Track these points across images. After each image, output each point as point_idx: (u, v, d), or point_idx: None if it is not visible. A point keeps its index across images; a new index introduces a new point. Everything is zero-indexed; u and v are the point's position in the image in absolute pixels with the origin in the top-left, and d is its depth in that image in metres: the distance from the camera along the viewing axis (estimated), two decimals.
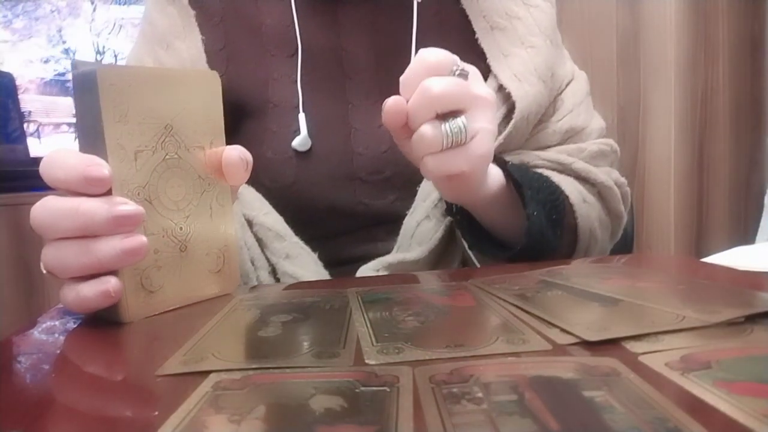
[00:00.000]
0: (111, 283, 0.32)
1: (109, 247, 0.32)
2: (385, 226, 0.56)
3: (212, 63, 0.58)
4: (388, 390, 0.21)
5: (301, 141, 0.56)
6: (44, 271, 0.34)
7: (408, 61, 0.54)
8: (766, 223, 1.35)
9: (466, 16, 0.60)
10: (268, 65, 0.59)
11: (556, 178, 0.56)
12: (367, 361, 0.25)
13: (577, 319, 0.29)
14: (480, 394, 0.20)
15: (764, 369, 0.22)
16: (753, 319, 0.27)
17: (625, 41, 1.57)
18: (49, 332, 0.33)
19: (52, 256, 0.33)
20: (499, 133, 0.56)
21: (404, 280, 0.42)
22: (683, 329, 0.26)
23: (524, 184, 0.49)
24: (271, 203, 0.56)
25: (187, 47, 0.58)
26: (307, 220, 0.56)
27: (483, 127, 0.42)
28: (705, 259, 0.50)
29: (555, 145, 0.60)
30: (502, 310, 0.32)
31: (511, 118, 0.56)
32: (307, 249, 0.54)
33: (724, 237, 1.55)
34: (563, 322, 0.28)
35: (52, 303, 0.48)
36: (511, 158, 0.56)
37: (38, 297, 1.58)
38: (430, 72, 0.41)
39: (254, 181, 0.55)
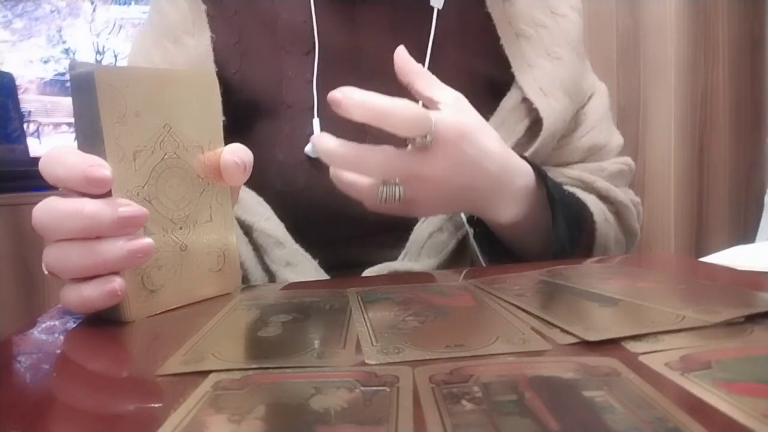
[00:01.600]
0: (117, 282, 0.32)
1: (116, 248, 0.32)
2: (394, 232, 0.55)
3: (226, 59, 0.56)
4: (388, 390, 0.21)
5: (314, 147, 0.53)
6: (46, 272, 0.34)
7: (428, 63, 0.55)
8: (766, 223, 1.35)
9: (491, 21, 0.58)
10: (282, 63, 0.57)
11: (582, 195, 0.56)
12: (367, 361, 0.25)
13: (577, 319, 0.29)
14: (480, 394, 0.20)
15: (764, 369, 0.22)
16: (753, 319, 0.27)
17: (625, 41, 1.57)
18: (49, 332, 0.33)
19: (54, 257, 0.33)
20: (525, 148, 0.56)
21: (404, 280, 0.42)
22: (683, 329, 0.26)
23: (557, 201, 0.49)
24: (279, 206, 0.54)
25: (196, 45, 0.57)
26: (316, 224, 0.54)
27: (420, 199, 0.44)
28: (704, 259, 0.49)
29: (576, 162, 0.60)
30: (502, 310, 0.32)
31: (536, 132, 0.55)
32: (307, 256, 0.53)
33: (724, 237, 1.55)
34: (563, 322, 0.28)
35: (52, 303, 0.48)
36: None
37: (38, 297, 1.58)
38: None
39: (264, 183, 0.54)
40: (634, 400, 0.19)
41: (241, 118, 0.55)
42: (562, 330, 0.27)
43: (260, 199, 0.55)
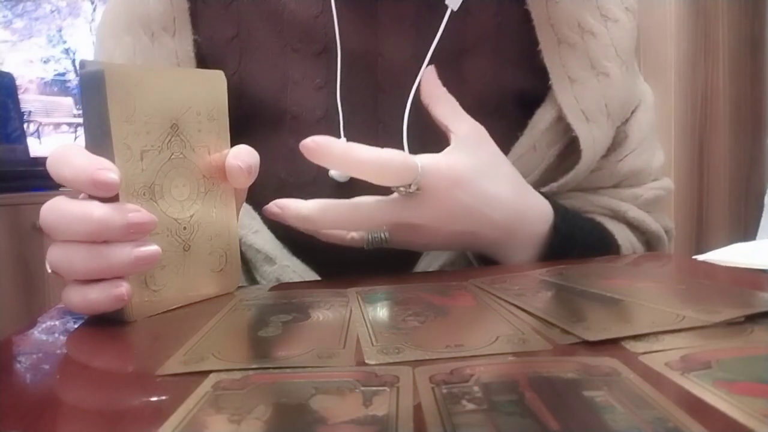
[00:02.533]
0: (124, 287, 0.32)
1: (123, 254, 0.32)
2: (399, 260, 0.48)
3: (221, 58, 0.50)
4: (388, 390, 0.21)
5: (339, 174, 0.49)
6: (49, 270, 0.34)
7: (453, 75, 0.49)
8: (766, 223, 1.35)
9: (530, 22, 0.50)
10: (287, 63, 0.50)
11: (610, 225, 0.52)
12: (367, 361, 0.25)
13: (577, 319, 0.29)
14: (480, 394, 0.20)
15: (764, 369, 0.22)
16: (753, 319, 0.27)
17: None
18: (49, 332, 0.33)
19: (59, 258, 0.33)
20: (553, 174, 0.52)
21: (404, 280, 0.42)
22: (683, 329, 0.26)
23: (576, 245, 0.47)
24: (278, 226, 0.48)
25: (176, 48, 0.51)
26: (316, 248, 0.47)
27: (411, 242, 0.44)
28: (702, 256, 0.49)
29: (609, 187, 0.55)
30: (502, 310, 0.32)
31: (567, 154, 0.51)
32: (298, 273, 0.49)
33: (724, 237, 1.55)
34: (563, 322, 0.28)
35: (52, 303, 0.48)
36: (563, 203, 0.50)
37: (38, 297, 1.58)
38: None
39: (262, 202, 0.47)
40: (634, 400, 0.19)
41: (239, 127, 0.46)
42: (562, 330, 0.27)
43: (249, 209, 0.51)
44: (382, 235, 0.43)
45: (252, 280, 0.52)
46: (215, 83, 0.39)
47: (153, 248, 0.33)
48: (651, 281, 0.37)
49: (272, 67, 0.50)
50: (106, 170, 0.31)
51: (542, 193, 0.49)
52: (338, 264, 0.45)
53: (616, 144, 0.53)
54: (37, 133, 2.16)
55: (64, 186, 0.33)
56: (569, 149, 0.52)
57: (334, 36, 0.49)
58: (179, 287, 0.37)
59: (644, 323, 0.27)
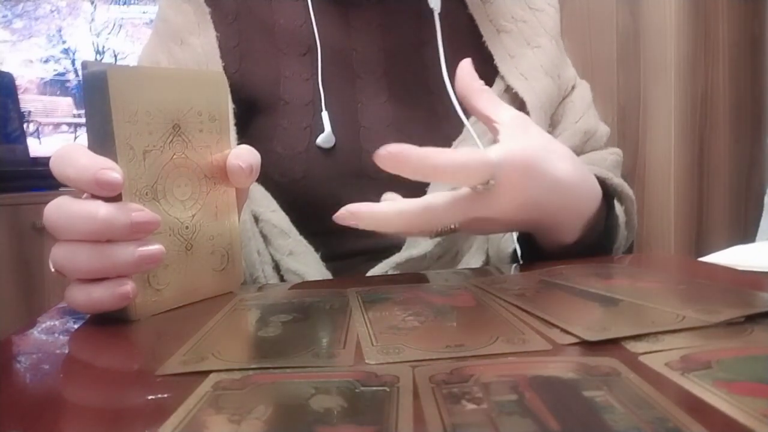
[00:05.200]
0: (129, 285, 0.33)
1: (127, 253, 0.32)
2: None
3: (226, 59, 0.59)
4: (388, 390, 0.21)
5: (325, 138, 0.57)
6: (52, 269, 0.34)
7: (417, 63, 0.61)
8: (766, 223, 1.35)
9: (474, 21, 0.62)
10: (280, 63, 0.60)
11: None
12: (367, 361, 0.25)
13: (577, 319, 0.29)
14: (480, 394, 0.20)
15: (764, 369, 0.22)
16: (753, 319, 0.27)
17: (625, 41, 1.57)
18: (49, 332, 0.33)
19: (63, 257, 0.33)
20: None
21: (404, 280, 0.42)
22: (683, 329, 0.26)
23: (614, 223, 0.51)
24: (279, 198, 0.56)
25: (202, 43, 0.59)
26: (313, 214, 0.55)
27: (477, 230, 0.48)
28: (704, 258, 0.49)
29: (576, 147, 0.60)
30: (502, 310, 0.32)
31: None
32: (309, 247, 0.55)
33: (724, 237, 1.55)
34: (563, 322, 0.28)
35: (52, 303, 0.48)
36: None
37: (38, 297, 1.58)
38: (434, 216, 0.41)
39: (263, 175, 0.52)
40: (634, 400, 0.19)
41: (241, 114, 0.57)
42: (562, 330, 0.27)
43: (267, 193, 0.56)
44: (452, 227, 0.41)
45: (269, 254, 0.55)
46: (216, 84, 0.40)
47: (156, 247, 0.33)
48: (651, 281, 0.37)
49: (267, 67, 0.60)
50: (110, 170, 0.32)
51: None
52: (339, 231, 0.47)
53: (567, 111, 0.63)
54: (37, 133, 2.16)
55: (64, 185, 0.33)
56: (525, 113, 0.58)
57: (315, 39, 0.60)
58: (181, 286, 0.37)
59: (644, 323, 0.27)
